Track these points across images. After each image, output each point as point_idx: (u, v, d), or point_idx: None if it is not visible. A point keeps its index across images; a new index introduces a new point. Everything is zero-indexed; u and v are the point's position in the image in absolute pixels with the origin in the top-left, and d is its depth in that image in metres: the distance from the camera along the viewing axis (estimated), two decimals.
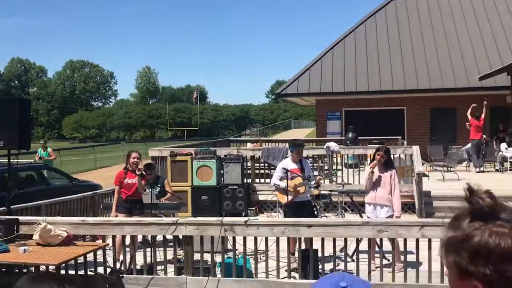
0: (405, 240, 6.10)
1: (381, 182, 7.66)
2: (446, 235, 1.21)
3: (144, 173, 8.22)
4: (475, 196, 1.19)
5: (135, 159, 8.19)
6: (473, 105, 16.58)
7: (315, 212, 9.50)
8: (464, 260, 1.16)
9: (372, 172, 7.66)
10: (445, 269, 1.23)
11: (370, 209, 7.74)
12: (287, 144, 11.27)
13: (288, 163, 8.05)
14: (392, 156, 12.64)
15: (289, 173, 7.66)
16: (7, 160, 7.61)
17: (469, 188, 1.21)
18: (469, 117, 16.54)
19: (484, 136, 16.80)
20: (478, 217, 1.17)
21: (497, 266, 1.10)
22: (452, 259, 1.18)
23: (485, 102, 16.36)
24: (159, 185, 9.01)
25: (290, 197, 7.69)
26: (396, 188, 7.69)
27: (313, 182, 8.29)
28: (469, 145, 17.15)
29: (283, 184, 7.74)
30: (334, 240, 6.26)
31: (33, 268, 6.32)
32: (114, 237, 6.66)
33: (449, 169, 15.42)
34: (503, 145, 16.29)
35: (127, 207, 8.16)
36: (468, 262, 1.15)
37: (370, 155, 12.94)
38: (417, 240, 6.01)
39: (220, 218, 6.21)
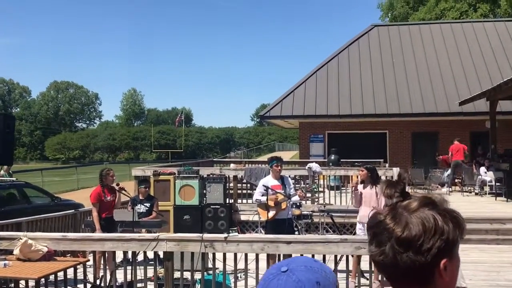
0: None
1: (367, 201, 7.80)
2: None
3: (123, 188, 8.30)
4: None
5: (114, 177, 8.27)
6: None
7: (296, 232, 9.61)
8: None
9: (356, 189, 7.81)
10: None
11: (359, 227, 7.89)
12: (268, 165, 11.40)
13: (269, 180, 8.15)
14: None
15: (269, 190, 7.77)
16: None
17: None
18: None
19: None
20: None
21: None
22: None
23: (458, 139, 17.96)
24: (148, 204, 9.07)
25: (271, 214, 7.78)
26: (381, 207, 7.78)
27: (296, 197, 8.36)
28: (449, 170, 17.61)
29: (264, 199, 7.84)
30: (312, 257, 6.33)
31: (12, 283, 6.32)
32: (94, 253, 6.68)
33: (429, 191, 15.61)
34: (482, 169, 16.59)
35: (105, 225, 8.14)
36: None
37: (352, 176, 13.15)
38: None
39: (200, 234, 6.26)
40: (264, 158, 48.15)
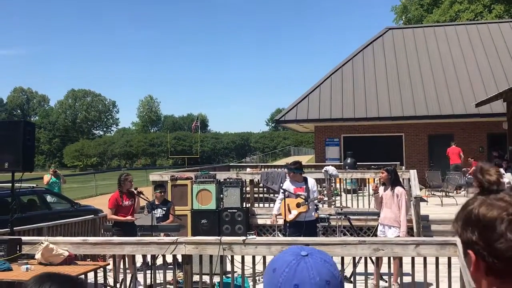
0: (400, 259, 6.21)
1: (388, 203, 7.82)
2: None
3: (141, 191, 8.45)
4: (482, 173, 1.26)
5: (132, 182, 8.44)
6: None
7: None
8: (459, 228, 1.23)
9: (376, 192, 7.86)
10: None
11: (380, 229, 7.94)
12: (285, 169, 11.47)
13: (290, 183, 8.27)
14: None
15: (287, 193, 7.89)
16: (10, 184, 7.74)
17: (480, 167, 1.29)
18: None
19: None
20: (483, 192, 1.24)
21: (482, 233, 1.16)
22: (454, 230, 1.26)
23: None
24: (165, 209, 9.19)
25: (292, 216, 7.88)
26: (402, 208, 7.77)
27: (316, 201, 8.44)
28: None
29: (276, 207, 8.08)
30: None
31: None
32: (114, 257, 6.78)
33: (447, 194, 15.53)
34: (500, 171, 16.46)
35: (123, 230, 8.28)
36: (461, 230, 1.22)
37: (369, 179, 13.13)
38: (413, 259, 6.12)
39: (218, 237, 6.33)
40: (280, 162, 48.24)
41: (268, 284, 1.22)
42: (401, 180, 12.66)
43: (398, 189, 7.85)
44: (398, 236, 7.60)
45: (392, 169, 8.15)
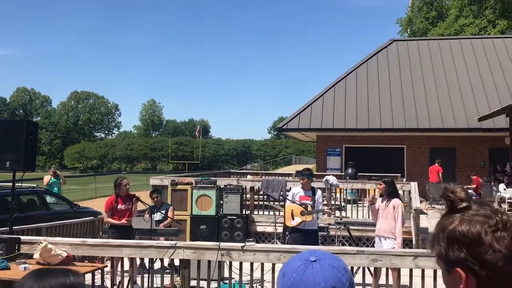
0: (398, 270, 6.20)
1: (384, 214, 7.82)
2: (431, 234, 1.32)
3: (139, 197, 8.45)
4: (450, 192, 1.30)
5: (128, 186, 8.44)
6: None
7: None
8: (443, 249, 1.25)
9: (373, 204, 7.90)
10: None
11: (376, 240, 7.93)
12: (286, 177, 11.49)
13: (299, 190, 8.37)
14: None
15: (297, 199, 8.03)
16: (11, 183, 7.74)
17: (445, 188, 1.33)
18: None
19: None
20: (454, 211, 1.28)
21: (470, 249, 1.19)
22: (436, 252, 1.27)
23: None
24: (163, 211, 9.19)
25: (294, 223, 7.92)
26: (398, 220, 7.78)
27: (321, 214, 8.53)
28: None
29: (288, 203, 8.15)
30: None
31: None
32: (112, 259, 6.77)
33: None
34: (501, 186, 16.42)
35: (119, 233, 8.28)
36: (446, 249, 1.24)
37: (369, 190, 13.11)
38: (411, 270, 6.11)
39: (217, 243, 6.32)
40: (281, 171, 48.26)
41: None
42: (399, 192, 12.73)
43: (395, 201, 7.86)
44: (394, 247, 7.60)
45: (390, 181, 8.17)
